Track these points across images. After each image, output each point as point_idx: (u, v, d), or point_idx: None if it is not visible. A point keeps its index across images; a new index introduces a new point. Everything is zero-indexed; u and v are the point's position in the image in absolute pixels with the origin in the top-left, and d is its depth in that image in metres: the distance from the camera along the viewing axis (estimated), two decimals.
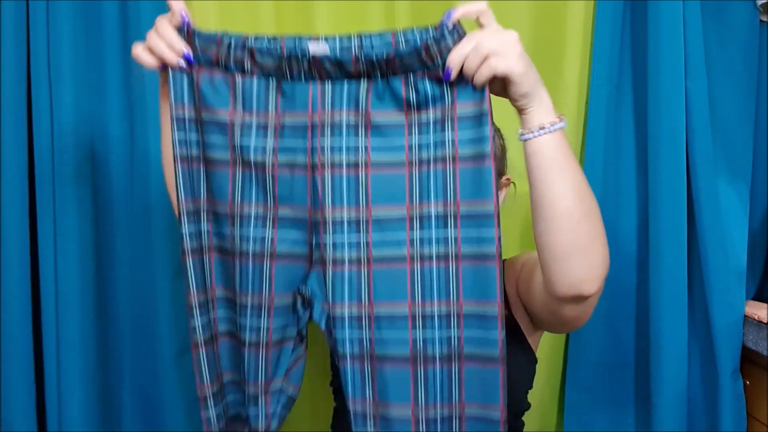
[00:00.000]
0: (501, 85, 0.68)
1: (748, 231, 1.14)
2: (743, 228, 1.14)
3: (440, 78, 0.69)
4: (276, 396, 0.78)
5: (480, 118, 0.69)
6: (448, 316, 0.70)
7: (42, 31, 1.04)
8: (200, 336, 0.76)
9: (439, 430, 0.71)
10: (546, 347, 1.19)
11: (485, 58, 0.66)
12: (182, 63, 0.71)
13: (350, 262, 0.73)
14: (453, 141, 0.70)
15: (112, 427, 1.14)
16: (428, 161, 0.71)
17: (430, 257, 0.71)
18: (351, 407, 0.73)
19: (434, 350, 0.71)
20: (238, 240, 0.75)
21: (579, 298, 0.70)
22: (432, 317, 0.71)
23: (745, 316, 1.10)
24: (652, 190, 1.13)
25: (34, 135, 1.06)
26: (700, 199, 1.10)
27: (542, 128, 0.68)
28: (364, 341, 0.72)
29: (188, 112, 0.74)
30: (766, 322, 1.06)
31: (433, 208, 0.71)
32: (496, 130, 0.91)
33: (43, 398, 1.08)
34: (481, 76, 0.67)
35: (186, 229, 0.75)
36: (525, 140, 0.69)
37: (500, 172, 0.92)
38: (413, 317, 0.71)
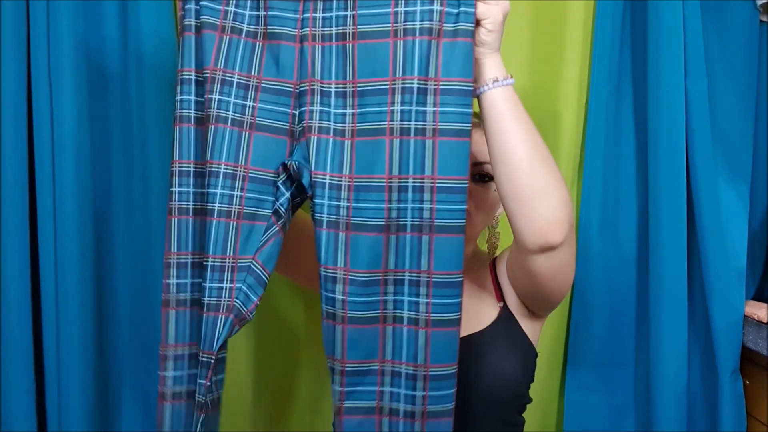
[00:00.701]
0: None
1: (748, 231, 1.14)
2: (743, 228, 1.14)
3: None
4: (243, 274, 0.77)
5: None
6: (422, 188, 0.73)
7: (42, 31, 1.04)
8: (176, 204, 0.77)
9: (405, 291, 0.74)
10: (546, 347, 1.19)
11: None
12: None
13: (335, 132, 0.76)
14: (440, 12, 0.72)
15: (112, 427, 1.14)
16: (413, 32, 0.73)
17: (409, 131, 0.73)
18: (322, 272, 0.75)
19: (406, 220, 0.74)
20: (215, 104, 0.76)
21: (548, 248, 0.74)
22: (407, 189, 0.74)
23: (745, 316, 1.10)
24: (652, 190, 1.13)
25: (35, 135, 1.06)
26: (700, 199, 1.10)
27: (496, 81, 0.75)
28: (341, 209, 0.75)
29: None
30: (766, 322, 1.06)
31: (416, 82, 0.73)
32: None
33: (43, 398, 1.08)
34: None
35: (182, 95, 0.77)
36: (486, 91, 0.75)
37: None
38: (389, 188, 0.74)
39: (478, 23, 0.73)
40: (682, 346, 1.12)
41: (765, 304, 1.15)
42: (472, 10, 0.72)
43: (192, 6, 0.77)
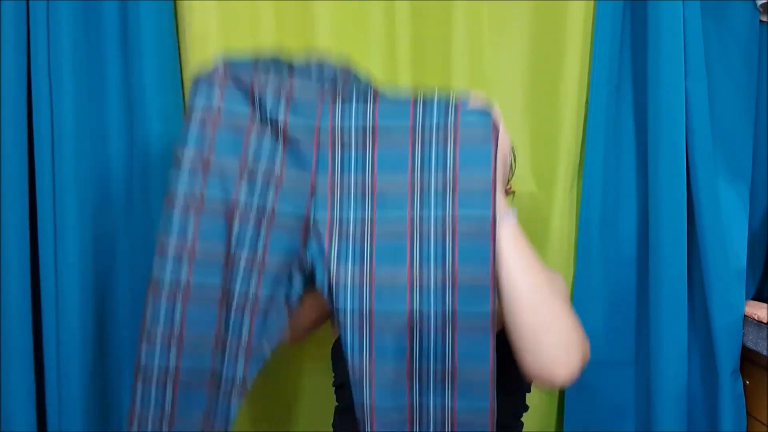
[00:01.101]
0: None
1: (748, 231, 1.14)
2: (743, 228, 1.14)
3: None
4: (254, 358, 0.80)
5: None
6: (444, 286, 0.74)
7: (42, 31, 1.04)
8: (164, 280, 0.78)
9: (431, 389, 0.74)
10: None
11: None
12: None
13: (355, 231, 0.77)
14: (455, 115, 0.75)
15: (112, 427, 1.14)
16: (431, 136, 0.75)
17: (429, 230, 0.75)
18: (350, 375, 0.76)
19: (430, 317, 0.74)
20: (237, 200, 0.78)
21: (551, 383, 0.75)
22: (429, 287, 0.74)
23: (745, 316, 1.10)
24: (652, 190, 1.13)
25: (34, 135, 1.06)
26: (700, 199, 1.10)
27: None
28: (365, 309, 0.75)
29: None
30: (766, 322, 1.06)
31: (433, 183, 0.75)
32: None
33: (43, 398, 1.08)
34: None
35: (183, 182, 0.78)
36: None
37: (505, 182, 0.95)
38: (411, 287, 0.75)
39: None
40: (682, 346, 1.12)
41: (765, 304, 1.15)
42: (489, 113, 0.74)
43: (202, 100, 0.78)
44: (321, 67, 0.83)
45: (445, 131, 0.75)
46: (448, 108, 0.75)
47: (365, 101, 0.77)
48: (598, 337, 1.20)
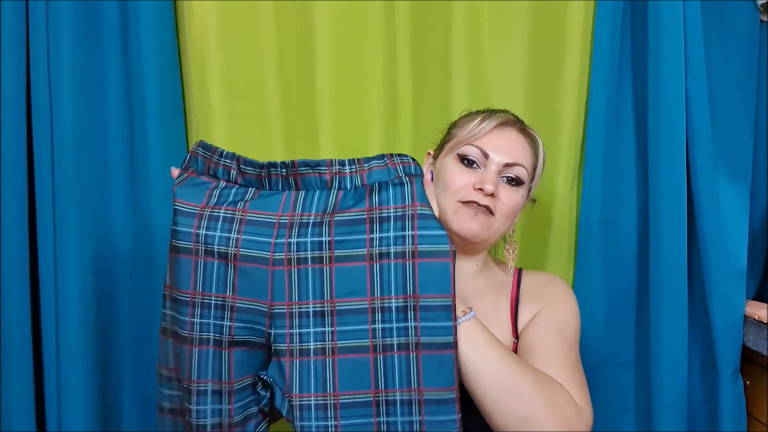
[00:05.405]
0: None
1: (748, 231, 1.14)
2: (743, 228, 1.13)
3: (402, 181, 0.79)
4: None
5: (435, 218, 0.78)
6: (410, 402, 0.75)
7: (42, 31, 1.04)
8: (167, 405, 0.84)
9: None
10: None
11: None
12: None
13: (315, 352, 0.78)
14: (413, 236, 0.77)
15: (112, 427, 1.14)
16: (389, 255, 0.77)
17: (392, 347, 0.76)
18: None
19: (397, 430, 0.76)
20: (197, 327, 0.79)
21: None
22: (395, 403, 0.76)
23: (745, 316, 1.10)
24: (652, 190, 1.13)
25: (34, 135, 1.06)
26: (700, 199, 1.10)
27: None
28: (329, 429, 0.76)
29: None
30: (766, 322, 1.06)
31: (394, 301, 0.77)
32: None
33: (43, 398, 1.08)
34: None
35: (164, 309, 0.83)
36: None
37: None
38: (377, 404, 0.76)
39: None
40: (682, 346, 1.12)
41: (765, 304, 1.15)
42: (444, 232, 0.77)
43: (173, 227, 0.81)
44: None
45: (403, 254, 0.77)
46: (405, 224, 0.77)
47: (320, 232, 0.78)
48: (598, 337, 1.20)
